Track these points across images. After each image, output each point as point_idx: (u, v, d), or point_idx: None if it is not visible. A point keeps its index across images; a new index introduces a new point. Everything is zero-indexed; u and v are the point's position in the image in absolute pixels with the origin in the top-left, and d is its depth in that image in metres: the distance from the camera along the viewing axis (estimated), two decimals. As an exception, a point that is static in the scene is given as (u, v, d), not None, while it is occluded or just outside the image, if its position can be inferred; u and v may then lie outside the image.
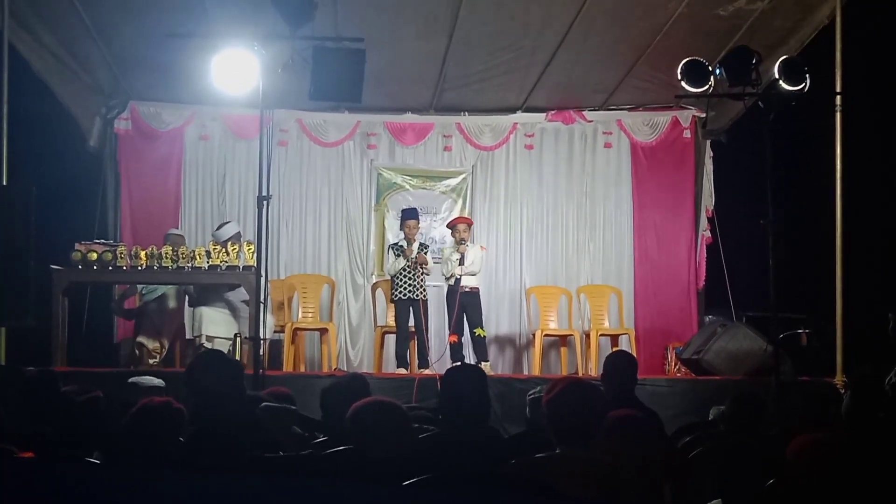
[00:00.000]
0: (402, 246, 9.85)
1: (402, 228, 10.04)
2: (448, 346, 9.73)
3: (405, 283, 9.70)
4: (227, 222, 10.35)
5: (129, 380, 6.97)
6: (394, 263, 9.83)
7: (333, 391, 5.19)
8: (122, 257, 9.03)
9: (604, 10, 9.33)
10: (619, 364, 6.12)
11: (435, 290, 10.26)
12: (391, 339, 10.22)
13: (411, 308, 9.71)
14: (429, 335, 9.89)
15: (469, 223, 10.20)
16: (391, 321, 10.37)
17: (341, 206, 11.71)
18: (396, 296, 9.76)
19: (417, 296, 9.72)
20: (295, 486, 2.80)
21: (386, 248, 11.59)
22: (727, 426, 5.21)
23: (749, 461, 4.13)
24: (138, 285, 10.08)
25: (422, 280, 9.75)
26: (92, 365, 9.06)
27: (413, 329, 9.76)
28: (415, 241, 9.83)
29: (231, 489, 2.72)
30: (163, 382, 6.84)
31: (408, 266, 9.70)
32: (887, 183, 9.65)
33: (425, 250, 9.80)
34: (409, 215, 10.01)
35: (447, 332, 9.83)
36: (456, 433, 4.49)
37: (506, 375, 10.00)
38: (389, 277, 9.95)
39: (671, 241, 11.70)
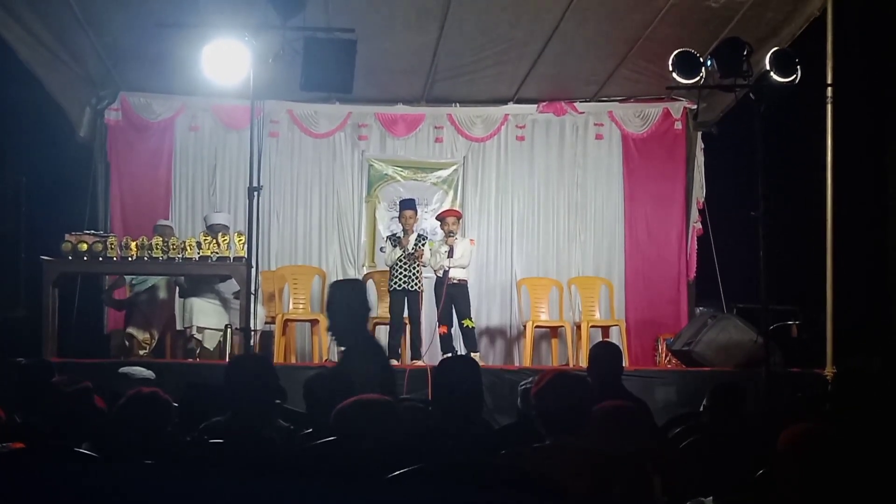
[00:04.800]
0: (398, 236, 9.84)
1: (399, 219, 10.03)
2: (438, 338, 9.72)
3: (401, 273, 9.70)
4: (222, 212, 10.45)
5: (120, 370, 6.97)
6: (390, 254, 9.83)
7: (317, 382, 5.18)
8: (112, 248, 9.01)
9: (595, 1, 9.31)
10: (603, 354, 6.16)
11: (427, 282, 10.24)
12: (382, 331, 10.21)
13: (406, 299, 9.71)
14: (421, 327, 9.88)
15: (458, 216, 10.17)
16: (382, 312, 10.36)
17: (332, 197, 11.70)
18: (392, 286, 9.76)
19: (413, 287, 9.71)
20: (287, 483, 2.80)
21: (377, 239, 11.62)
22: (708, 417, 5.22)
23: (739, 452, 4.14)
24: (128, 276, 10.07)
25: (418, 271, 9.75)
26: (82, 356, 9.04)
27: (407, 320, 9.76)
28: (413, 231, 9.82)
29: (223, 488, 2.73)
30: (153, 374, 6.84)
31: (404, 257, 9.69)
32: (878, 175, 9.66)
33: (423, 242, 9.79)
34: (406, 206, 9.99)
35: (436, 323, 9.82)
36: (446, 424, 4.49)
37: (496, 367, 10.01)
38: (387, 268, 9.95)
39: (662, 233, 11.70)
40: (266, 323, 10.16)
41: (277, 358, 9.87)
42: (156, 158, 11.45)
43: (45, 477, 2.76)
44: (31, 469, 2.85)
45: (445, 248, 9.67)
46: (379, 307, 10.62)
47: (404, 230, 9.82)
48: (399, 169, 11.80)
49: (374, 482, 3.27)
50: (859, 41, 9.20)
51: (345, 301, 6.18)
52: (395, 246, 9.80)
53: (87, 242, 8.99)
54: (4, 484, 2.71)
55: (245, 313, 7.95)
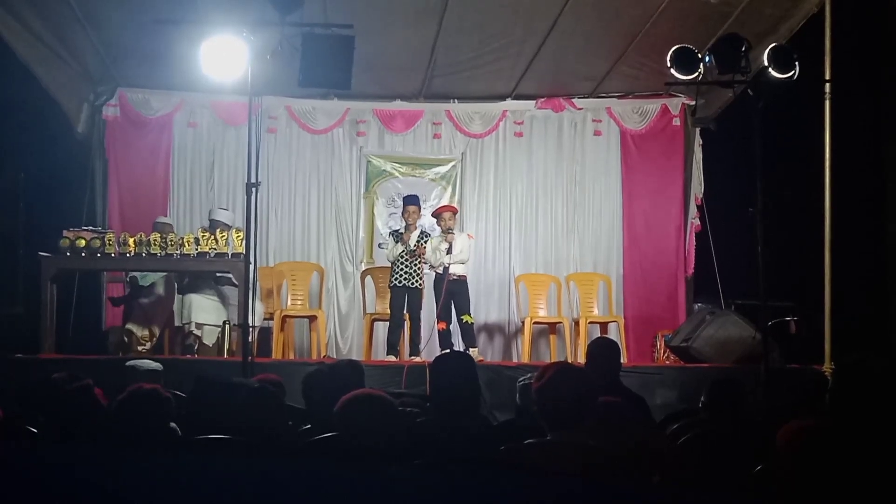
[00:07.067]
0: (400, 232, 9.83)
1: (402, 214, 10.01)
2: (437, 334, 9.72)
3: (402, 270, 9.69)
4: (228, 210, 10.44)
5: (127, 363, 6.94)
6: (392, 249, 9.82)
7: (316, 379, 5.17)
8: (110, 244, 9.02)
9: (594, -2, 9.34)
10: (602, 351, 6.16)
11: (427, 278, 10.24)
12: (380, 327, 10.21)
13: (407, 295, 9.70)
14: (420, 323, 9.88)
15: (454, 211, 10.16)
16: (380, 309, 10.36)
17: (330, 193, 11.70)
18: (393, 282, 9.75)
19: (414, 284, 9.70)
20: (286, 468, 2.79)
21: (375, 235, 11.61)
22: (707, 413, 5.23)
23: (737, 448, 4.14)
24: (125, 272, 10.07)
25: (419, 268, 9.74)
26: (80, 352, 9.04)
27: (407, 316, 9.75)
28: (415, 228, 9.80)
29: (222, 473, 2.72)
30: (160, 366, 6.81)
31: (406, 253, 9.68)
32: (876, 171, 9.66)
33: (425, 240, 9.76)
34: (409, 201, 9.97)
35: (435, 319, 9.82)
36: (445, 420, 4.49)
37: (495, 363, 10.02)
38: (389, 263, 9.94)
39: (660, 229, 11.70)
40: (264, 319, 10.16)
41: (276, 354, 9.88)
42: (154, 154, 11.44)
43: (40, 473, 2.75)
44: (24, 464, 2.83)
45: (445, 245, 9.67)
46: (378, 303, 10.63)
47: (406, 225, 9.80)
48: (397, 165, 11.80)
49: (372, 477, 3.27)
50: (857, 37, 9.19)
51: None
52: (396, 241, 9.79)
53: (85, 239, 8.99)
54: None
55: (243, 309, 7.94)
